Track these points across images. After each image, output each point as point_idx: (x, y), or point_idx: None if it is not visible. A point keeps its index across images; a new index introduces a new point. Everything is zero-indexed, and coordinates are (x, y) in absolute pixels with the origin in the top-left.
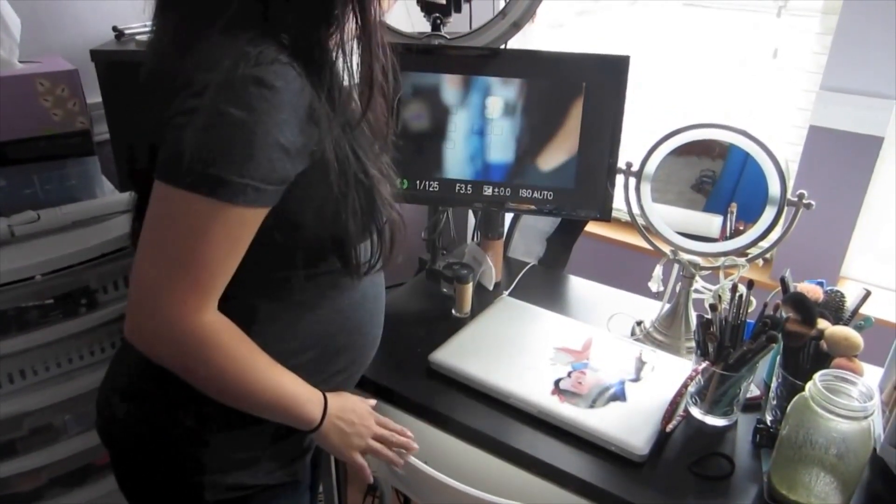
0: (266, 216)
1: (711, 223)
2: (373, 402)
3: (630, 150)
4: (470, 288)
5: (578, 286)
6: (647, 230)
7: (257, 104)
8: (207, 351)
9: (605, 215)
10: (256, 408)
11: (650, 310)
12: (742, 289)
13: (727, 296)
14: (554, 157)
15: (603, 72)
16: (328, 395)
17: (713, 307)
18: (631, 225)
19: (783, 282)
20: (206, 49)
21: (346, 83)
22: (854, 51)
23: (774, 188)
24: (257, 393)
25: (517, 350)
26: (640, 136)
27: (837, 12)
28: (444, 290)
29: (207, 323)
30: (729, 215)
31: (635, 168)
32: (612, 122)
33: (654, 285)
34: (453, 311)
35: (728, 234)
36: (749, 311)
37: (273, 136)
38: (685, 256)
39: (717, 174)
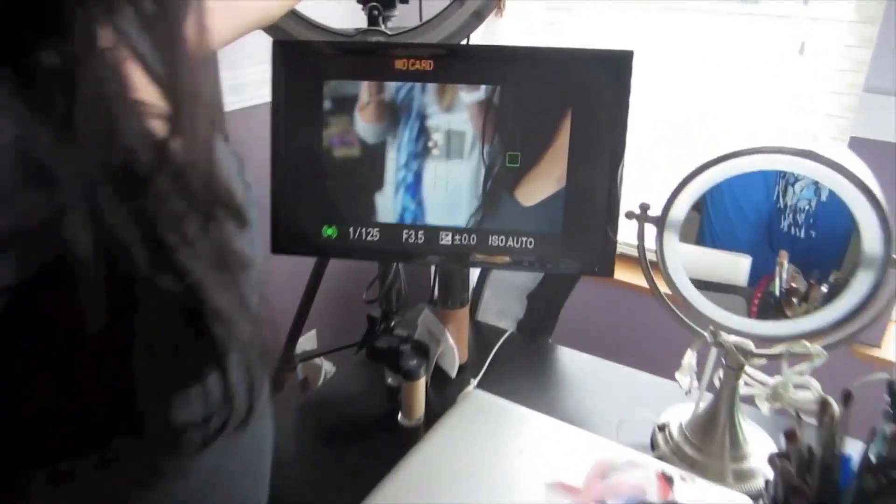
0: None
1: (738, 267)
2: None
3: (634, 181)
4: (422, 385)
5: (572, 363)
6: (673, 298)
7: None
8: None
9: (605, 271)
10: None
11: (675, 399)
12: (835, 407)
13: (791, 393)
14: (535, 190)
15: (599, 74)
16: None
17: (790, 435)
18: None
19: (893, 390)
20: None
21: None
22: None
23: (872, 242)
24: None
25: (492, 492)
26: (644, 160)
27: None
28: (389, 380)
29: None
30: (779, 268)
31: (653, 211)
32: (613, 142)
33: (683, 379)
34: (400, 418)
35: (779, 293)
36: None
37: None
38: (730, 338)
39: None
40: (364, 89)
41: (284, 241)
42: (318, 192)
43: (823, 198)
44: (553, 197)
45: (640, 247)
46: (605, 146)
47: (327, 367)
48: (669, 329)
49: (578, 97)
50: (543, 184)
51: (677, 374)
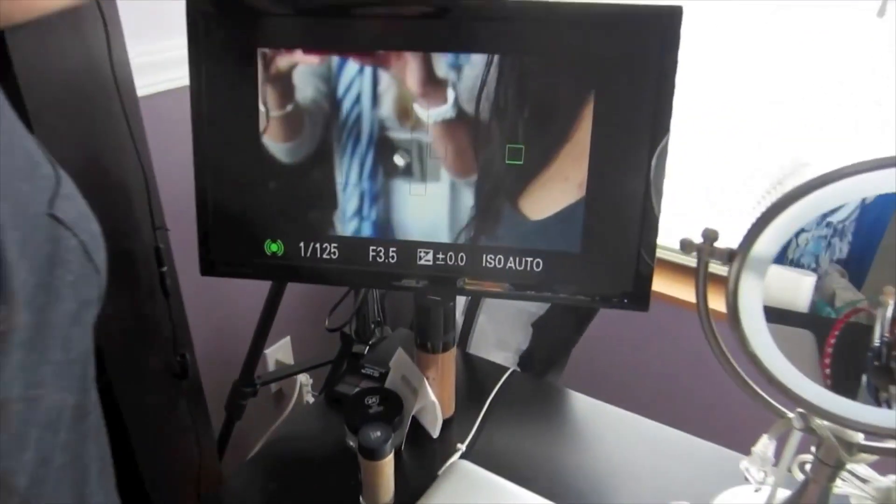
0: None
1: (798, 287)
2: None
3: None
4: (388, 466)
5: (590, 417)
6: (752, 362)
7: None
8: None
9: (639, 303)
10: None
11: (731, 478)
12: None
13: None
14: (545, 200)
15: (634, 40)
16: None
17: None
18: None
19: None
20: None
21: None
22: None
23: None
24: None
25: None
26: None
27: None
28: (350, 443)
29: None
30: (881, 310)
31: (723, 240)
32: (650, 135)
33: (753, 471)
34: (362, 502)
35: (879, 342)
36: None
37: None
38: (825, 425)
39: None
40: (268, 97)
41: (216, 260)
42: (258, 198)
43: None
44: (569, 208)
45: (701, 292)
46: (640, 140)
47: (303, 379)
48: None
49: (605, 73)
50: (557, 192)
51: (745, 464)
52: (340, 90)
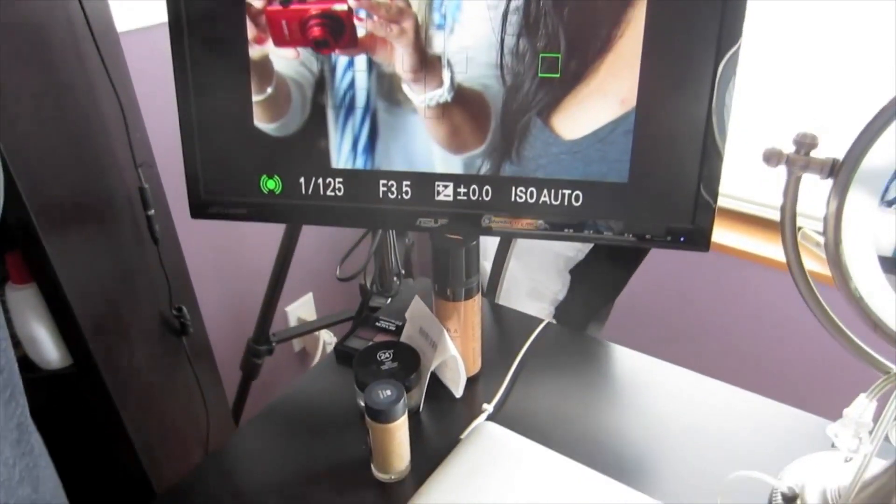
0: None
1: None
2: None
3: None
4: (400, 429)
5: (637, 375)
6: (857, 306)
7: None
8: None
9: (699, 242)
10: None
11: (807, 445)
12: None
13: None
14: (583, 116)
15: None
16: None
17: None
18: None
19: None
20: None
21: None
22: None
23: None
24: None
25: None
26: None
27: None
28: (360, 403)
29: None
30: None
31: (816, 151)
32: (717, 38)
33: (845, 437)
34: (373, 470)
35: None
36: None
37: None
38: None
39: None
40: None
41: (206, 201)
42: (247, 129)
43: None
44: (613, 127)
45: (789, 215)
46: (704, 45)
47: (326, 337)
48: (802, 325)
49: None
50: (598, 107)
51: (835, 428)
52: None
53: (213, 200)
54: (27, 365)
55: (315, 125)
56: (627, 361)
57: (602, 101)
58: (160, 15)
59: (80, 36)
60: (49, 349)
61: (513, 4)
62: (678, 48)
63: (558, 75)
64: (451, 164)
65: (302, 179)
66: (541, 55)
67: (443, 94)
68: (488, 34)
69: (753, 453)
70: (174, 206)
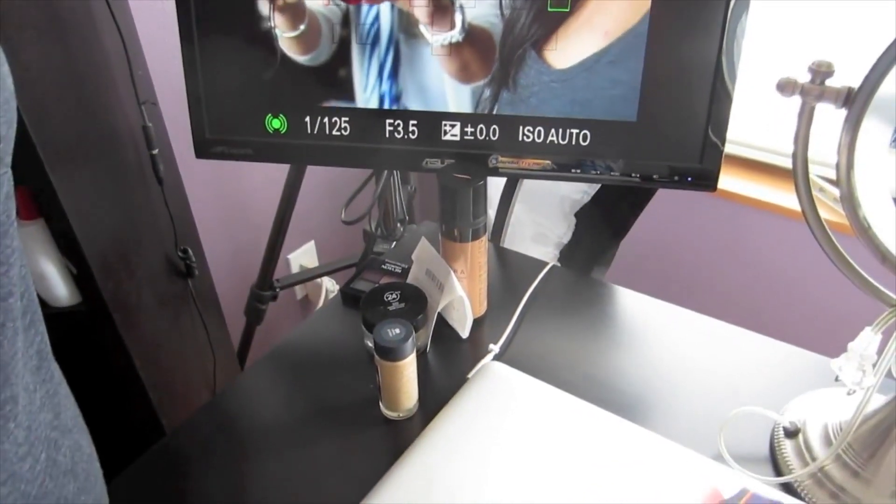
0: None
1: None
2: None
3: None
4: (409, 367)
5: (642, 317)
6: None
7: None
8: None
9: (706, 181)
10: None
11: (809, 381)
12: None
13: None
14: (571, 48)
15: None
16: None
17: None
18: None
19: None
20: None
21: None
22: None
23: None
24: None
25: None
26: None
27: None
28: (368, 343)
29: None
30: None
31: (836, 80)
32: None
33: (849, 371)
34: (382, 408)
35: None
36: None
37: None
38: None
39: None
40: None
41: (211, 139)
42: (254, 67)
43: None
44: (598, 57)
45: (802, 144)
46: None
47: (328, 284)
48: (806, 271)
49: None
50: (584, 39)
51: (839, 361)
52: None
53: (218, 140)
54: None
55: (342, 56)
56: (631, 303)
57: (588, 34)
58: None
59: None
60: (58, 286)
61: None
62: None
63: (567, 9)
64: (460, 92)
65: (308, 118)
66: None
67: (455, 34)
68: None
69: (756, 390)
70: (177, 149)
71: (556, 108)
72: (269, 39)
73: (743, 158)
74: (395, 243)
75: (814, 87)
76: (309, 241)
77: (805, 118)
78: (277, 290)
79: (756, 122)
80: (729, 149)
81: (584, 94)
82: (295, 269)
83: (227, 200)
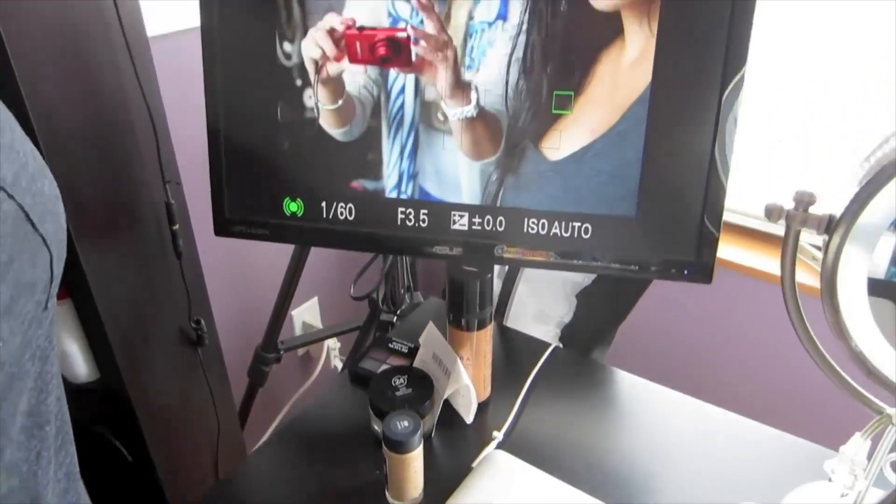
0: None
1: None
2: None
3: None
4: (416, 459)
5: (643, 402)
6: (852, 356)
7: None
8: None
9: (702, 274)
10: None
11: (804, 473)
12: None
13: None
14: (563, 142)
15: None
16: None
17: None
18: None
19: None
20: None
21: None
22: None
23: None
24: None
25: None
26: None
27: None
28: (375, 427)
29: None
30: None
31: (821, 206)
32: (722, 67)
33: (841, 474)
34: (388, 497)
35: None
36: None
37: None
38: None
39: None
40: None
41: (230, 219)
42: (277, 149)
43: None
44: (585, 150)
45: (789, 269)
46: (709, 74)
47: (331, 343)
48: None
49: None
50: (574, 135)
51: (831, 464)
52: (389, 82)
53: (237, 220)
54: None
55: (372, 134)
56: (631, 388)
57: (577, 131)
58: (186, 20)
59: (116, 44)
60: (79, 364)
61: (515, 55)
62: (685, 80)
63: (570, 112)
64: (472, 169)
65: (324, 204)
66: (554, 92)
67: (470, 110)
68: (500, 75)
69: (754, 481)
70: (193, 218)
71: (551, 194)
72: (305, 114)
73: (741, 227)
74: (399, 312)
75: (798, 214)
76: (312, 298)
77: (791, 242)
78: (282, 352)
79: (750, 189)
80: (727, 217)
81: (574, 182)
82: (298, 325)
83: (234, 259)
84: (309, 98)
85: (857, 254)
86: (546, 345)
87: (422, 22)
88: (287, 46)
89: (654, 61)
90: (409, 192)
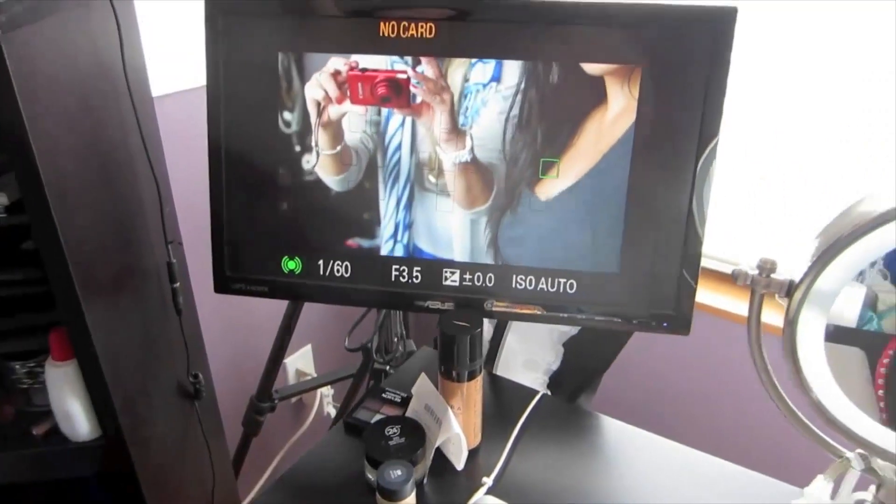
0: None
1: (847, 299)
2: None
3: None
4: None
5: (627, 446)
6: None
7: None
8: None
9: (680, 327)
10: None
11: None
12: None
13: None
14: (551, 187)
15: (685, 39)
16: None
17: None
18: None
19: None
20: None
21: None
22: None
23: None
24: None
25: None
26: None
27: None
28: (370, 476)
29: None
30: None
31: (782, 274)
32: (697, 141)
33: None
34: None
35: None
36: None
37: None
38: (888, 466)
39: None
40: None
41: (230, 277)
42: (276, 211)
43: None
44: (568, 192)
45: (754, 327)
46: (687, 141)
47: (324, 390)
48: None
49: (649, 76)
50: (560, 181)
51: None
52: (387, 135)
53: (237, 278)
54: (57, 438)
55: (368, 192)
56: (617, 435)
57: (562, 178)
58: (190, 79)
59: (123, 104)
60: (81, 423)
61: (512, 113)
62: (662, 147)
63: (556, 177)
64: (463, 222)
65: (321, 262)
66: (541, 160)
67: (465, 154)
68: (496, 130)
69: None
70: (192, 273)
71: (539, 248)
72: (304, 177)
73: (715, 271)
74: (392, 360)
75: (761, 279)
76: (306, 345)
77: (756, 304)
78: (276, 401)
79: (723, 232)
80: (711, 265)
81: (564, 229)
82: (292, 372)
83: (228, 310)
84: (307, 162)
85: (815, 316)
86: (534, 392)
87: (422, 68)
88: (287, 115)
89: (636, 122)
90: (404, 247)
